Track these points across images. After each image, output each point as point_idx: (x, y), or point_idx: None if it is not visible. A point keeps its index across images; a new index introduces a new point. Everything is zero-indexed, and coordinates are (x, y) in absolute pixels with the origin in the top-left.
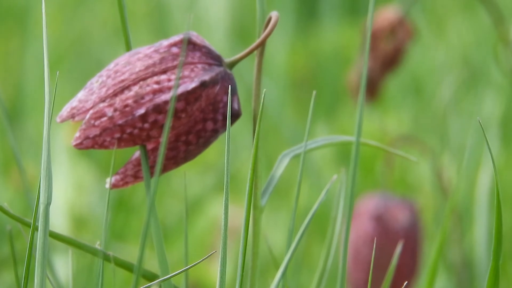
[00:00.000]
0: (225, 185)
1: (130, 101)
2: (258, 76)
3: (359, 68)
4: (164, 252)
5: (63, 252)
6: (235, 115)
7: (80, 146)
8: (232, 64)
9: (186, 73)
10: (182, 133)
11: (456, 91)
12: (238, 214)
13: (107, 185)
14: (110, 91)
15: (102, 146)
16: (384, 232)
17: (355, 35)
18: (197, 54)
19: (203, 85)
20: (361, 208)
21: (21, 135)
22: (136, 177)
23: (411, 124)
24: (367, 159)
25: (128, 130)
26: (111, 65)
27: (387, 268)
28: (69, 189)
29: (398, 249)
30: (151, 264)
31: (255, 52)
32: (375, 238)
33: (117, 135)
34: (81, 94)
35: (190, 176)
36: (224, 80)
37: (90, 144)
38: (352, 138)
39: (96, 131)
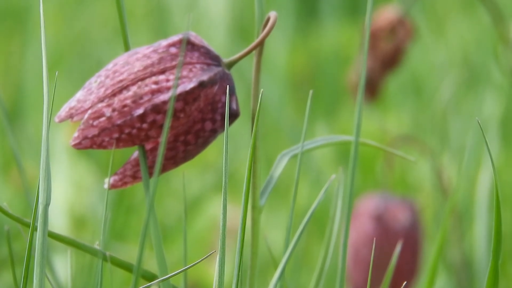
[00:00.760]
0: (224, 185)
1: (128, 101)
2: (256, 76)
3: (359, 68)
4: (163, 252)
5: (62, 252)
6: (234, 115)
7: (78, 146)
8: (230, 64)
9: (185, 73)
10: (181, 133)
11: (456, 91)
12: (237, 214)
13: (106, 186)
14: (109, 91)
15: (101, 146)
16: (384, 232)
17: (355, 35)
18: (196, 54)
19: (201, 85)
20: (361, 208)
21: (21, 135)
22: (135, 177)
23: (411, 124)
24: (367, 159)
25: (127, 130)
26: (110, 65)
27: (387, 268)
28: (69, 189)
29: (398, 249)
30: (151, 264)
31: (254, 51)
32: (375, 238)
33: (116, 135)
34: (79, 94)
35: (189, 176)
36: (223, 80)
37: (88, 144)
38: (351, 138)
39: (94, 131)
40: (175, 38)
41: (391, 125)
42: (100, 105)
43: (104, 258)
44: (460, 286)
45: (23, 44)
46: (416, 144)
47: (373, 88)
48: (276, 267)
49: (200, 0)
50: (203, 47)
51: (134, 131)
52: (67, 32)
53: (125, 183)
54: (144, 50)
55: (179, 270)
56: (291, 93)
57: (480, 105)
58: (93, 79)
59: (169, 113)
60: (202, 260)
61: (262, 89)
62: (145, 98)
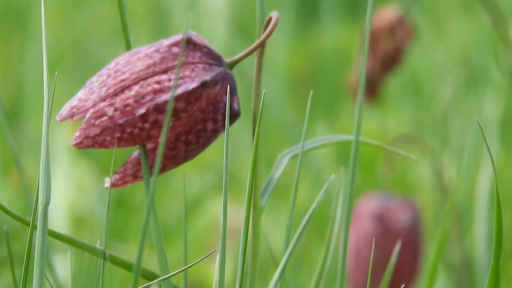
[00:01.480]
0: (224, 185)
1: (130, 101)
2: (258, 76)
3: (359, 68)
4: (164, 252)
5: (62, 251)
6: (235, 115)
7: (80, 145)
8: (232, 64)
9: (187, 73)
10: (182, 133)
11: (456, 91)
12: (237, 214)
13: (106, 184)
14: (111, 90)
15: (102, 145)
16: (385, 232)
17: (355, 35)
18: (198, 54)
19: (203, 85)
20: (361, 208)
21: (21, 135)
22: (136, 176)
23: (411, 124)
24: (367, 159)
25: (129, 130)
26: (111, 65)
27: (388, 268)
28: (69, 188)
29: (398, 248)
30: (151, 264)
31: (255, 52)
32: (376, 238)
33: (117, 134)
34: (81, 93)
35: (189, 176)
36: (224, 80)
37: (90, 143)
38: (351, 137)
39: (96, 131)
40: (177, 37)
41: (391, 125)
42: (102, 104)
43: (104, 258)
44: (460, 286)
45: (23, 44)
46: (416, 144)
47: (373, 88)
48: (276, 267)
49: (200, 0)
50: (205, 46)
51: (136, 130)
52: (67, 32)
53: (126, 182)
54: (146, 49)
55: (179, 270)
56: (291, 93)
57: (480, 105)
58: (94, 78)
59: (169, 113)
60: (202, 260)
61: (263, 90)
62: (147, 98)
